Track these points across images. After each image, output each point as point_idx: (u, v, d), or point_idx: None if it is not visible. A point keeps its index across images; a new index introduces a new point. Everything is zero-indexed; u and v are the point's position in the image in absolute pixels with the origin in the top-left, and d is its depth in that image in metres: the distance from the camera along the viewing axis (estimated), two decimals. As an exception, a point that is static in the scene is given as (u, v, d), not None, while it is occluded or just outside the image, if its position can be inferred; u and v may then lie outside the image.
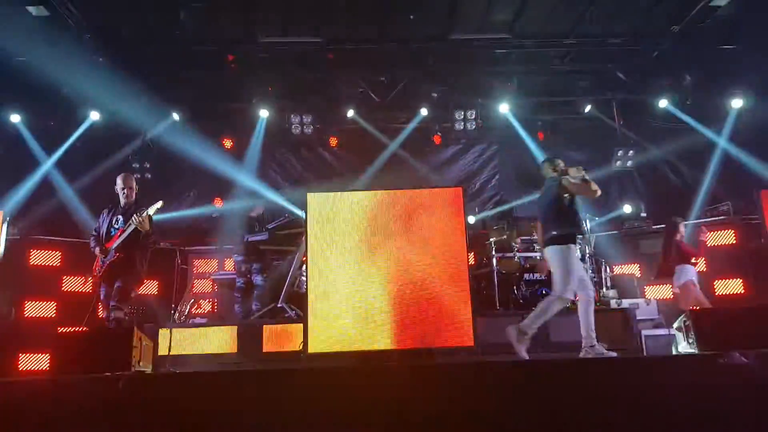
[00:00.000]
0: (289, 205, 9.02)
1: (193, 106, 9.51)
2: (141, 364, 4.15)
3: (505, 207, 9.89)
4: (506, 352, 6.98)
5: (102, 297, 5.62)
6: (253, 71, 9.04)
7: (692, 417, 3.50)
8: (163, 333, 6.98)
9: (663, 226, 8.04)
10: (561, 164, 5.86)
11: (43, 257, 8.00)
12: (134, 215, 5.51)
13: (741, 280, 8.14)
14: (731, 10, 7.79)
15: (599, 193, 5.39)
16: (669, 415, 3.51)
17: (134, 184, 5.81)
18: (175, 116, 9.42)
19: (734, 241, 8.34)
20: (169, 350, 6.91)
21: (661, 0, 7.78)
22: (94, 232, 5.84)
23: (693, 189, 9.49)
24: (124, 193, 5.69)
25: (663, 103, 9.43)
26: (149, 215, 5.51)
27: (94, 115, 9.20)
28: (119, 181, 5.78)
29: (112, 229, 5.60)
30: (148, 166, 9.36)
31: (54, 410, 3.48)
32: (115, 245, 5.52)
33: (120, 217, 5.67)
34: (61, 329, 7.29)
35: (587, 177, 5.38)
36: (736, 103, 9.16)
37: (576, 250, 5.65)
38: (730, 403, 3.53)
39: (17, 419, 3.41)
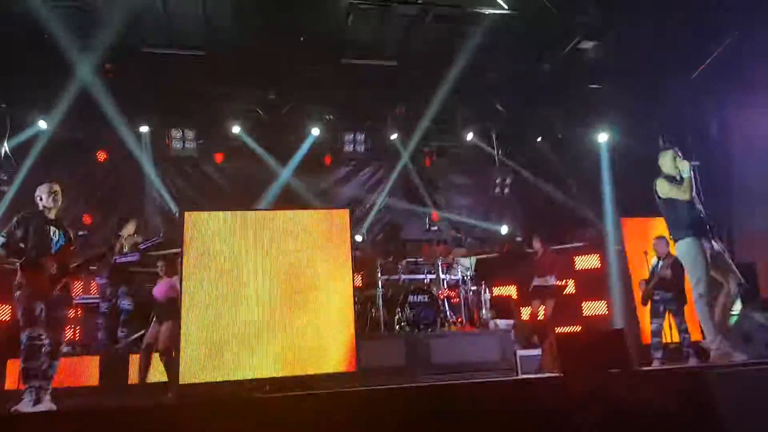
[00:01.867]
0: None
1: (63, 115, 8.74)
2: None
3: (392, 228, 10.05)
4: (389, 374, 7.07)
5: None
6: (132, 81, 8.50)
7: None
8: (12, 364, 6.29)
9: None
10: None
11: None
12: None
13: (605, 302, 8.84)
14: (597, 54, 8.57)
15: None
16: None
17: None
18: (42, 125, 8.61)
19: (599, 265, 9.05)
20: (18, 384, 6.21)
21: (535, 38, 8.37)
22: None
23: (564, 213, 10.21)
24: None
25: (538, 139, 10.20)
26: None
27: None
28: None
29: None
30: (5, 178, 8.46)
31: None
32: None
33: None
34: None
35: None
36: (602, 137, 10.06)
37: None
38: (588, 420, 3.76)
39: None
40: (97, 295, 7.49)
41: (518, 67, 9.01)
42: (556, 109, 9.88)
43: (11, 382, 6.43)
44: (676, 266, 6.10)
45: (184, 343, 6.36)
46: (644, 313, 6.99)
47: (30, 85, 8.34)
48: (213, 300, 6.71)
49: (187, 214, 7.09)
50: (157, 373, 6.53)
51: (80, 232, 8.75)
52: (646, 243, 7.20)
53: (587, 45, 8.32)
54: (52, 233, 4.86)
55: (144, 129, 9.09)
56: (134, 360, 6.49)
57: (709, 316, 4.90)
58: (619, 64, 8.71)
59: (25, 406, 4.45)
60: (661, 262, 6.70)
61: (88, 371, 6.39)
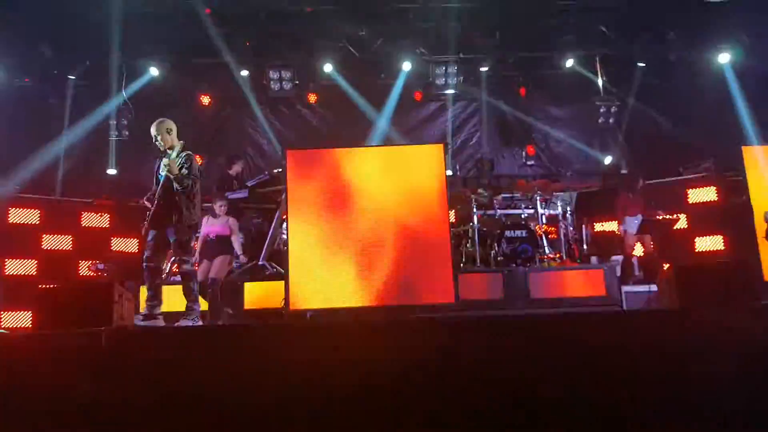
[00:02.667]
0: None
1: (170, 62, 9.26)
2: (123, 319, 4.16)
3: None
4: (488, 308, 7.16)
5: (149, 239, 5.23)
6: (229, 26, 8.76)
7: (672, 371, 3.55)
8: (144, 290, 7.03)
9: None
10: None
11: (21, 215, 7.85)
12: (162, 159, 5.18)
13: (722, 237, 8.25)
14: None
15: None
16: (649, 368, 3.58)
17: (165, 130, 5.21)
18: (153, 71, 9.17)
19: (716, 198, 8.38)
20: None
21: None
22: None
23: (676, 143, 9.50)
24: (157, 141, 5.26)
25: (640, 64, 9.42)
26: (172, 159, 5.03)
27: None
28: (152, 129, 5.30)
29: (159, 176, 5.22)
30: (125, 123, 9.16)
31: (36, 365, 3.48)
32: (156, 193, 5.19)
33: (160, 162, 5.29)
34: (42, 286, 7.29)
35: None
36: (723, 57, 9.12)
37: None
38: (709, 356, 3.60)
39: None
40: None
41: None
42: (669, 29, 9.01)
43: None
44: None
45: (292, 274, 6.80)
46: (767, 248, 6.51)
47: (142, 35, 8.81)
48: (316, 234, 7.05)
49: (289, 152, 7.38)
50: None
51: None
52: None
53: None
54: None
55: (244, 73, 9.38)
56: (248, 287, 7.02)
57: None
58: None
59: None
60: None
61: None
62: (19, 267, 7.72)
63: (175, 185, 5.02)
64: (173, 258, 5.30)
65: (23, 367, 3.46)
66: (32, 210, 7.88)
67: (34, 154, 8.58)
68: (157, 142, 5.20)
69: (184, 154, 5.14)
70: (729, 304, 3.90)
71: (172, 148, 5.16)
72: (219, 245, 6.63)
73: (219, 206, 6.79)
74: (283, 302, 6.69)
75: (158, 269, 5.27)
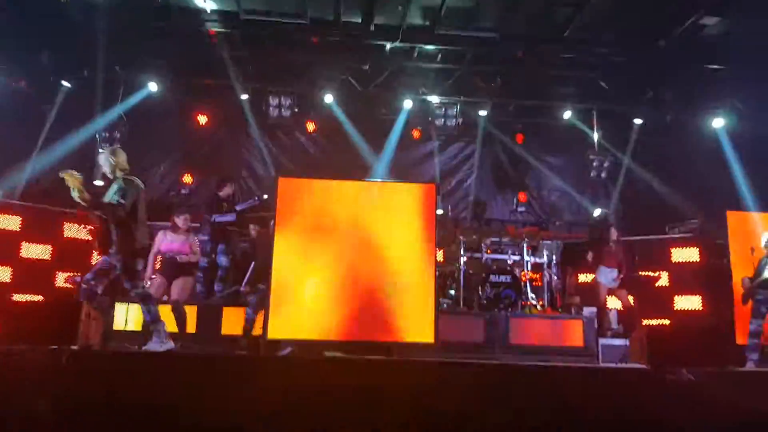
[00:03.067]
0: None
1: (170, 78, 9.30)
2: (87, 339, 4.05)
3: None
4: (467, 350, 7.08)
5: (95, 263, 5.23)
6: (232, 48, 8.85)
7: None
8: (120, 307, 6.90)
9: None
10: None
11: (2, 221, 7.73)
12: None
13: (701, 297, 8.29)
14: (720, 30, 7.87)
15: None
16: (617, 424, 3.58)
17: (104, 160, 5.19)
18: (152, 87, 9.20)
19: (698, 259, 8.47)
20: (125, 324, 6.83)
21: (649, 13, 7.80)
22: None
23: (666, 201, 9.57)
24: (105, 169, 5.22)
25: (638, 120, 9.58)
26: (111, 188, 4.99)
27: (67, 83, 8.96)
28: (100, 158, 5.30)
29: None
30: (118, 136, 9.14)
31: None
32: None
33: None
34: (14, 296, 7.14)
35: None
36: (718, 122, 9.29)
37: None
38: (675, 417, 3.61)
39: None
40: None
41: (629, 42, 8.47)
42: (667, 90, 9.18)
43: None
44: None
45: (272, 302, 6.70)
46: (742, 312, 6.51)
47: (141, 50, 8.87)
48: (301, 264, 6.98)
49: (281, 179, 7.38)
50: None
51: (182, 191, 9.43)
52: (753, 239, 6.78)
53: (710, 21, 7.64)
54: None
55: (244, 96, 9.44)
56: (227, 312, 6.91)
57: None
58: (744, 42, 7.92)
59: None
60: (768, 260, 6.19)
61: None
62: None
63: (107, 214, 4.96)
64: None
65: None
66: (13, 216, 7.77)
67: (22, 160, 8.51)
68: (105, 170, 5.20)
69: (119, 183, 5.05)
70: (697, 367, 3.89)
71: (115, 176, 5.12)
72: (178, 265, 6.38)
73: (182, 219, 6.53)
74: (261, 330, 6.58)
75: (92, 292, 4.94)
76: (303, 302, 6.78)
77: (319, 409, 3.49)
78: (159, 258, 6.62)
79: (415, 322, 6.81)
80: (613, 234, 7.92)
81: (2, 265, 7.58)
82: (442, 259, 8.41)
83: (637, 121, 9.64)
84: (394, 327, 6.81)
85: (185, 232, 6.58)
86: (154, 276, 6.39)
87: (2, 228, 7.65)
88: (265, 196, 7.87)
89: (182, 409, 3.33)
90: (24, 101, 8.87)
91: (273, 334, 6.58)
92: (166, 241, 6.48)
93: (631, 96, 9.54)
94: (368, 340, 6.72)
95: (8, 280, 7.54)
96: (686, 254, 8.56)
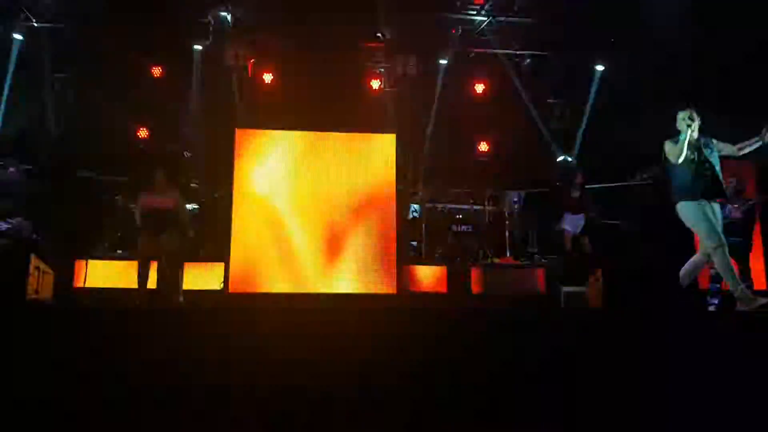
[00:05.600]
0: None
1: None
2: (38, 294, 3.90)
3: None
4: (430, 300, 7.18)
5: None
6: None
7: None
8: (81, 264, 6.70)
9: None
10: None
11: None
12: None
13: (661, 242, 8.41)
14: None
15: None
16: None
17: None
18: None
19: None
20: (84, 282, 6.63)
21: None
22: None
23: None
24: None
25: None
26: None
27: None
28: None
29: None
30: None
31: None
32: None
33: None
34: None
35: None
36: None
37: None
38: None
39: None
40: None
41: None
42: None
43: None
44: (750, 211, 5.79)
45: (233, 256, 6.62)
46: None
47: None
48: (262, 216, 6.89)
49: (238, 130, 7.17)
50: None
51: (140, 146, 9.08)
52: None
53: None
54: None
55: (197, 47, 8.97)
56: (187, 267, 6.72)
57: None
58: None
59: None
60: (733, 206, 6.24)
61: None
62: None
63: None
64: None
65: None
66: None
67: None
68: None
69: None
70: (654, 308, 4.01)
71: None
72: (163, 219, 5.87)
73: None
74: (222, 284, 6.53)
75: None
76: (263, 255, 6.74)
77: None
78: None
79: (378, 274, 6.87)
80: (579, 178, 7.93)
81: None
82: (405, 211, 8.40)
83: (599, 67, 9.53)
84: (356, 279, 6.85)
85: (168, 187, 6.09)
86: None
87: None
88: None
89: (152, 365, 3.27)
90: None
91: (235, 287, 6.55)
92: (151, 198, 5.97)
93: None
94: (331, 293, 6.76)
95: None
96: (648, 200, 8.64)
